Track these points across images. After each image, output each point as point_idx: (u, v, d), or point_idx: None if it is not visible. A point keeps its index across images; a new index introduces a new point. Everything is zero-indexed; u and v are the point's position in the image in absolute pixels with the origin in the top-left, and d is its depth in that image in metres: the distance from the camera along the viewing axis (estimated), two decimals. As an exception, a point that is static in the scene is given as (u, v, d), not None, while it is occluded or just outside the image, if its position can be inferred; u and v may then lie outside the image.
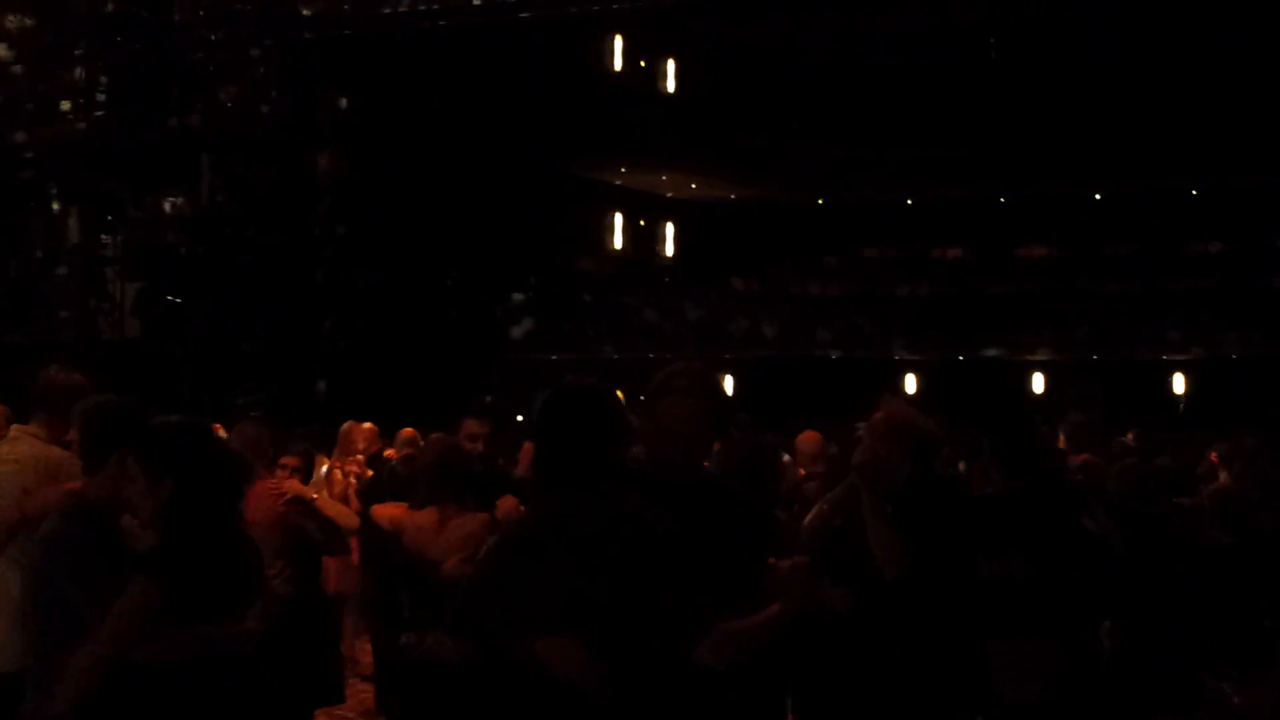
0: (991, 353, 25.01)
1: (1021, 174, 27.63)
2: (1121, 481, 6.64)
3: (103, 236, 22.79)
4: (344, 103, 23.24)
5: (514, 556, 3.64)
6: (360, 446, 10.23)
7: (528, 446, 7.75)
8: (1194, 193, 28.16)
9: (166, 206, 22.37)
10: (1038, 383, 24.55)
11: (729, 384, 20.46)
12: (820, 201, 31.22)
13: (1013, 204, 29.73)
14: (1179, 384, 23.81)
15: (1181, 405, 23.26)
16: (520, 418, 19.39)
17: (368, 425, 10.57)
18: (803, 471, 8.19)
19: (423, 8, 22.02)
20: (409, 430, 9.40)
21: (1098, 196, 28.95)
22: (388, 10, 22.26)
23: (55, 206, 22.64)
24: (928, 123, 25.71)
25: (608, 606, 3.52)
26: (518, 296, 27.31)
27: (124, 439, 4.18)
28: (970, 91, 25.24)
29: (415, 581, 6.23)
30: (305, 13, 22.63)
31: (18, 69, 22.76)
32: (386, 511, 7.01)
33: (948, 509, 5.11)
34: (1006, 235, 29.52)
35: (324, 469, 9.40)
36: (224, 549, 4.01)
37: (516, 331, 26.89)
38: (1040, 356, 24.91)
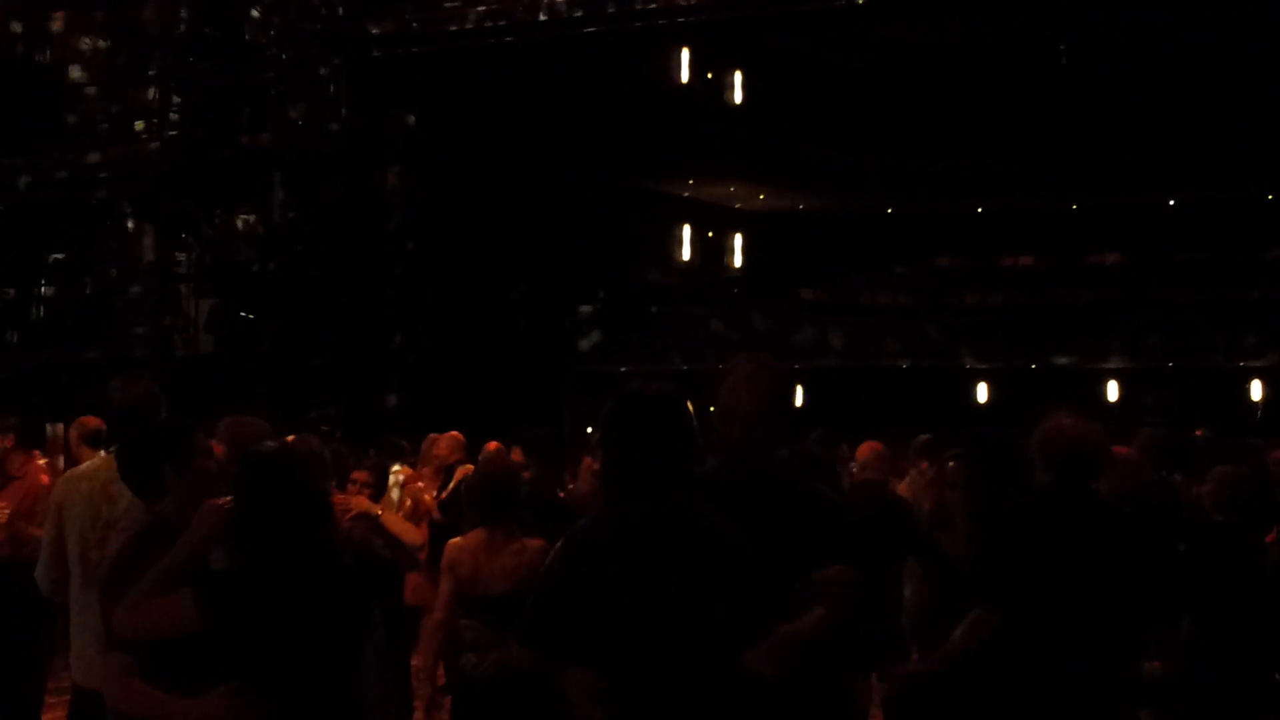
0: (1063, 361, 24.72)
1: (1092, 181, 27.36)
2: (1220, 488, 6.30)
3: (176, 254, 23.06)
4: (412, 119, 23.35)
5: (580, 565, 3.63)
6: (440, 453, 9.93)
7: (588, 461, 7.64)
8: (1270, 198, 27.79)
9: (239, 224, 22.59)
10: (1111, 391, 24.28)
11: (798, 395, 20.38)
12: (889, 211, 31.06)
13: (1084, 211, 29.41)
14: (1256, 390, 23.48)
15: (1259, 412, 22.94)
16: (591, 430, 19.41)
17: (448, 435, 10.10)
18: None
19: (489, 24, 22.10)
20: (495, 444, 8.89)
21: (1170, 203, 28.61)
22: (454, 28, 22.36)
23: (129, 225, 22.93)
24: (998, 131, 25.53)
25: (670, 615, 3.51)
26: (586, 309, 27.33)
27: (169, 457, 4.23)
28: (1041, 99, 25.04)
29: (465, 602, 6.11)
30: (373, 31, 22.78)
31: (92, 90, 23.10)
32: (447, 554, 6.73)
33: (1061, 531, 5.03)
34: (1078, 243, 29.23)
35: (394, 467, 9.29)
36: (274, 579, 3.83)
37: (585, 343, 26.91)
38: (1113, 364, 24.62)
